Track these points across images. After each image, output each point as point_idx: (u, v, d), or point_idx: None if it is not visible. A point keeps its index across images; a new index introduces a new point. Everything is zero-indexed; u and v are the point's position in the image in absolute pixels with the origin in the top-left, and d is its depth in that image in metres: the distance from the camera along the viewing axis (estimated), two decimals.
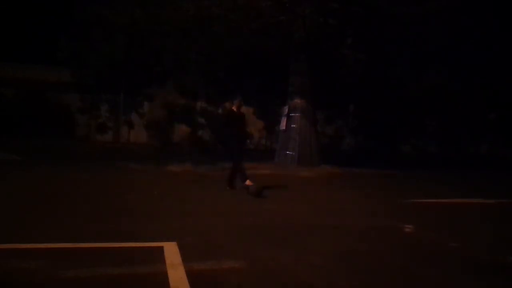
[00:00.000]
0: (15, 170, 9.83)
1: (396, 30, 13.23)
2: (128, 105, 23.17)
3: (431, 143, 23.22)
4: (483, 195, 8.71)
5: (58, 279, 3.23)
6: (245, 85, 19.43)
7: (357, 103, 21.70)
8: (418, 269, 3.82)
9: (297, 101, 13.41)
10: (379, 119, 20.71)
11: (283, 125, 13.82)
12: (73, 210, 5.72)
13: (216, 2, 12.18)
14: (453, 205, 7.69)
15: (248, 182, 7.55)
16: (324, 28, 12.80)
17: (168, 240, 4.26)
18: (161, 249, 3.99)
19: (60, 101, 22.87)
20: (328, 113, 21.98)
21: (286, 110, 13.79)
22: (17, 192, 7.00)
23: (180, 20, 14.23)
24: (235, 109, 8.25)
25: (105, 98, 23.26)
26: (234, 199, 7.22)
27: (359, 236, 5.00)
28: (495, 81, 18.91)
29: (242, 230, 5.05)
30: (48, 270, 3.38)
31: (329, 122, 22.71)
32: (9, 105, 21.80)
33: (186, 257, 3.75)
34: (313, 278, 3.47)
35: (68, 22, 20.34)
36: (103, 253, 3.86)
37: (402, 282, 3.51)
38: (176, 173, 10.61)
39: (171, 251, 3.94)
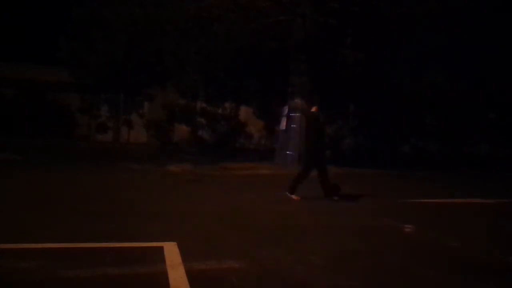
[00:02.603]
0: (16, 170, 9.83)
1: (396, 30, 13.22)
2: (128, 105, 23.16)
3: (431, 143, 23.19)
4: (483, 195, 8.71)
5: (58, 279, 3.23)
6: (245, 85, 19.40)
7: (357, 103, 21.68)
8: (418, 269, 3.82)
9: (297, 101, 13.41)
10: (379, 119, 20.70)
11: (283, 125, 13.82)
12: (73, 210, 5.71)
13: (216, 2, 12.18)
14: (453, 205, 7.70)
15: (336, 194, 7.21)
16: (324, 28, 12.80)
17: (168, 240, 4.26)
18: (161, 249, 3.98)
19: (60, 101, 22.87)
20: (328, 113, 21.95)
21: (286, 110, 13.79)
22: (18, 192, 7.00)
23: (180, 20, 14.23)
24: (315, 111, 7.47)
25: (105, 98, 23.25)
26: (234, 199, 7.22)
27: (359, 236, 5.00)
28: (495, 81, 18.89)
29: (242, 230, 5.06)
30: (48, 270, 3.38)
31: (329, 122, 22.68)
32: (9, 105, 21.79)
33: (186, 257, 3.75)
34: (313, 278, 3.47)
35: (68, 22, 20.32)
36: (103, 253, 3.85)
37: (402, 282, 3.51)
38: (176, 173, 10.61)
39: (171, 251, 3.94)
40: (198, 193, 7.84)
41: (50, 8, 27.86)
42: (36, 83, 22.39)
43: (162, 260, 3.70)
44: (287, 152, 13.26)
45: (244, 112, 22.66)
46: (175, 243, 4.16)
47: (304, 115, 7.72)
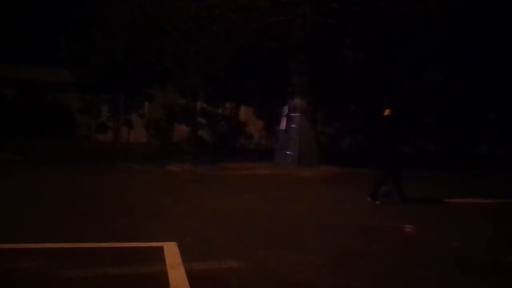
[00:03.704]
0: (16, 170, 9.82)
1: (396, 30, 13.22)
2: (128, 105, 23.15)
3: (431, 143, 23.19)
4: (483, 195, 8.70)
5: (58, 279, 3.23)
6: (245, 85, 19.40)
7: (357, 103, 21.69)
8: (418, 269, 3.82)
9: (297, 101, 13.40)
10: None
11: (283, 125, 13.82)
12: (73, 210, 5.71)
13: (216, 2, 12.17)
14: (453, 205, 7.69)
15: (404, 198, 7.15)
16: (324, 28, 12.80)
17: (168, 240, 4.26)
18: (161, 249, 3.99)
19: (60, 101, 22.86)
20: (328, 113, 21.97)
21: (286, 110, 13.79)
22: (18, 192, 6.99)
23: (180, 20, 14.23)
24: (389, 114, 7.57)
25: (105, 98, 23.24)
26: (234, 199, 7.22)
27: (359, 236, 5.00)
28: (495, 81, 18.90)
29: (242, 230, 5.06)
30: (48, 270, 3.38)
31: (329, 122, 22.69)
32: (9, 105, 21.78)
33: (186, 257, 3.75)
34: (313, 278, 3.47)
35: (68, 22, 20.31)
36: (103, 253, 3.86)
37: (402, 282, 3.52)
38: (176, 173, 10.60)
39: (171, 251, 3.94)
40: (198, 193, 7.84)
41: (50, 8, 27.84)
42: (36, 83, 22.37)
43: (162, 260, 3.70)
44: (287, 152, 13.25)
45: (244, 112, 22.66)
46: (175, 243, 4.17)
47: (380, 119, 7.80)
